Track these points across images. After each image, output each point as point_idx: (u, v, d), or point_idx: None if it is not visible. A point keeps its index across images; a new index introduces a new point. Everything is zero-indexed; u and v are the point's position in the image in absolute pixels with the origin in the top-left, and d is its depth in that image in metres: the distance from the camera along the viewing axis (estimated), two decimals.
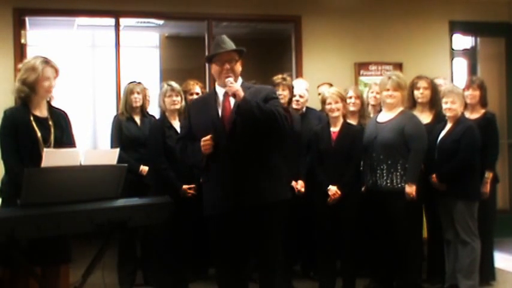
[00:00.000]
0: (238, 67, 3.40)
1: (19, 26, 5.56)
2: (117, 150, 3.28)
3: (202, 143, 3.24)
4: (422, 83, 4.61)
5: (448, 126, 4.32)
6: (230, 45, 3.38)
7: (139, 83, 4.76)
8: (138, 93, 4.67)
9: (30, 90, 3.31)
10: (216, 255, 3.48)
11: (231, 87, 3.23)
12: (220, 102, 3.37)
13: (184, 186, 4.35)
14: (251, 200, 3.25)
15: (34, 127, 3.28)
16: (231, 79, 3.27)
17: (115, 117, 4.79)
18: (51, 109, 3.43)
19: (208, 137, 3.24)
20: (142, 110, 4.76)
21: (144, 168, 4.55)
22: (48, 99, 3.43)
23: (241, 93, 3.21)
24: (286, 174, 3.64)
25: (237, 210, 3.25)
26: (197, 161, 3.35)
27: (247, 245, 3.38)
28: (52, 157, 2.94)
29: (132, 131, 4.62)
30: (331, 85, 5.16)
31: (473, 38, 7.03)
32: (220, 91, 3.39)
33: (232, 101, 3.32)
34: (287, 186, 3.75)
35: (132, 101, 4.66)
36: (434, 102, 4.61)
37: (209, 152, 3.25)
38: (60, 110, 3.50)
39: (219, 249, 3.41)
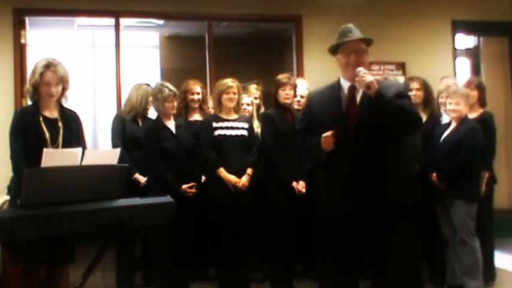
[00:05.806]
0: (367, 58, 3.13)
1: (19, 26, 5.54)
2: (118, 150, 3.23)
3: (322, 139, 3.00)
4: (414, 84, 4.62)
5: (452, 126, 4.32)
6: (358, 34, 3.12)
7: None
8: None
9: (34, 92, 3.32)
10: (324, 255, 3.21)
11: (364, 79, 2.94)
12: (345, 96, 3.10)
13: (184, 186, 4.33)
14: (373, 203, 3.00)
15: (43, 127, 3.28)
16: (362, 69, 2.99)
17: (116, 115, 4.81)
18: (63, 110, 3.41)
19: (329, 133, 2.98)
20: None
21: (139, 177, 4.52)
22: (58, 100, 3.39)
23: (376, 85, 2.93)
24: (412, 175, 3.35)
25: (357, 212, 3.00)
26: (317, 158, 3.10)
27: (361, 248, 3.10)
28: (52, 157, 2.92)
29: (135, 131, 4.62)
30: None
31: (476, 38, 7.00)
32: (345, 84, 3.12)
33: (358, 95, 3.07)
34: (409, 187, 3.32)
35: (149, 103, 4.68)
36: (428, 102, 4.62)
37: (330, 149, 3.00)
38: (71, 111, 3.48)
39: (331, 251, 3.15)
